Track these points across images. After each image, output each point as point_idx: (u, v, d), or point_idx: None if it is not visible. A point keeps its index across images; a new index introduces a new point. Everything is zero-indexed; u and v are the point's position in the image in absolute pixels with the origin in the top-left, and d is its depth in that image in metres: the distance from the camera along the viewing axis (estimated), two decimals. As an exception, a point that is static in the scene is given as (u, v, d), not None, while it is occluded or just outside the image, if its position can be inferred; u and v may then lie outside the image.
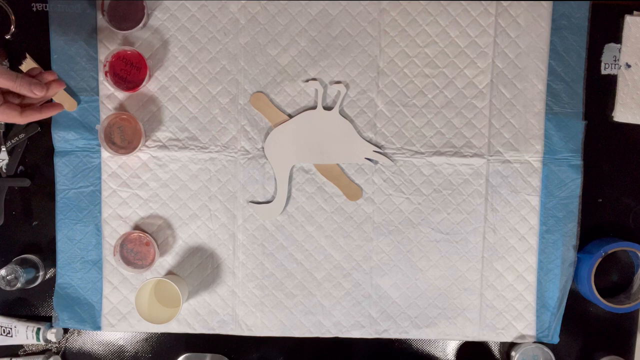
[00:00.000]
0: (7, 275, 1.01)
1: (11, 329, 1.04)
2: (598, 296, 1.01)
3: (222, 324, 1.05)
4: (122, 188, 1.04)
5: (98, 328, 1.05)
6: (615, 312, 1.03)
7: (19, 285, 1.01)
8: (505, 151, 1.03)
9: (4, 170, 1.04)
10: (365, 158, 1.03)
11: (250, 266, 1.05)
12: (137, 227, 1.04)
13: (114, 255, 1.01)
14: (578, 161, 1.03)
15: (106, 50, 1.02)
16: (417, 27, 1.02)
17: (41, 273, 1.04)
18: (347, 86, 1.03)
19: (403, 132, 1.03)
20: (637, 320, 1.06)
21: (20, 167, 1.05)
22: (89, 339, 1.07)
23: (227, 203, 1.04)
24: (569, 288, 1.04)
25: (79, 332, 1.07)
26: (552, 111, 1.03)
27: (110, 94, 1.03)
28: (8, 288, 1.01)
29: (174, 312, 1.00)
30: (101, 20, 1.01)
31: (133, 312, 1.04)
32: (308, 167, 1.04)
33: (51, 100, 0.98)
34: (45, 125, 1.03)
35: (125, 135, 1.01)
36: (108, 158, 1.03)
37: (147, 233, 1.02)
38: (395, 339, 1.07)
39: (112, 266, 1.04)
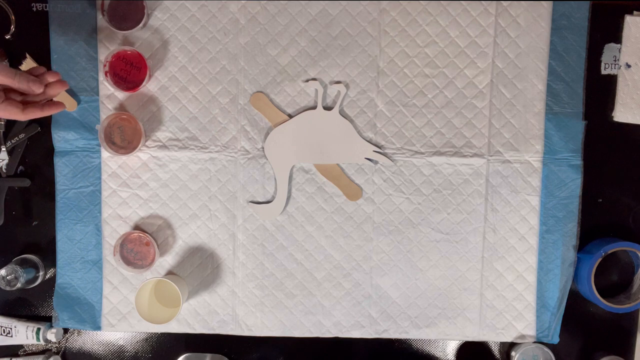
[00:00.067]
0: (7, 275, 1.01)
1: (11, 329, 1.04)
2: (598, 296, 1.01)
3: (222, 324, 1.05)
4: (122, 188, 1.04)
5: (98, 328, 1.05)
6: (615, 312, 1.03)
7: (19, 285, 1.01)
8: (505, 151, 1.03)
9: (4, 170, 1.04)
10: (365, 158, 1.03)
11: (250, 266, 1.05)
12: (137, 227, 1.04)
13: (114, 255, 1.01)
14: (578, 161, 1.03)
15: (106, 50, 1.02)
16: (417, 27, 1.02)
17: (41, 273, 1.04)
18: (347, 86, 1.03)
19: (403, 132, 1.03)
20: (637, 320, 1.06)
21: (20, 167, 1.05)
22: (89, 339, 1.07)
23: (227, 203, 1.04)
24: (569, 288, 1.04)
25: (79, 332, 1.07)
26: (552, 111, 1.03)
27: (110, 94, 1.03)
28: (8, 288, 1.01)
29: (174, 312, 1.00)
30: (101, 20, 1.01)
31: (133, 312, 1.04)
32: (308, 167, 1.04)
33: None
34: (45, 125, 1.03)
35: (125, 135, 1.01)
36: (108, 158, 1.03)
37: (147, 233, 1.02)
38: (395, 339, 1.07)
39: (112, 266, 1.04)
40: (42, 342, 1.04)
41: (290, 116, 1.03)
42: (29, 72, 0.82)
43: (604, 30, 1.04)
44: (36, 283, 1.04)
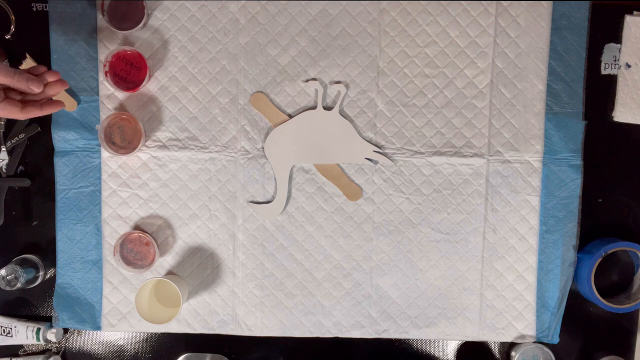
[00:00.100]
0: (7, 275, 1.01)
1: (11, 329, 1.04)
2: (598, 296, 1.01)
3: (222, 324, 1.05)
4: (122, 188, 1.04)
5: (98, 328, 1.05)
6: (615, 312, 1.03)
7: (19, 285, 1.01)
8: (505, 151, 1.03)
9: (4, 170, 1.04)
10: (365, 158, 1.03)
11: (250, 266, 1.05)
12: (137, 227, 1.04)
13: (114, 255, 1.01)
14: (578, 161, 1.03)
15: (106, 50, 1.02)
16: (417, 27, 1.02)
17: (41, 273, 1.04)
18: (347, 86, 1.03)
19: (403, 132, 1.03)
20: (637, 320, 1.06)
21: (20, 167, 1.05)
22: (89, 339, 1.07)
23: (227, 203, 1.04)
24: (569, 288, 1.04)
25: (79, 332, 1.07)
26: (552, 111, 1.03)
27: (110, 94, 1.03)
28: (8, 288, 1.01)
29: (174, 312, 1.00)
30: (101, 20, 1.01)
31: (133, 312, 1.04)
32: (308, 167, 1.04)
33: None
34: (45, 125, 1.03)
35: (125, 135, 1.01)
36: (108, 158, 1.03)
37: (147, 233, 1.02)
38: (395, 339, 1.07)
39: (112, 266, 1.04)
40: (42, 342, 1.04)
41: (290, 116, 1.03)
42: (29, 71, 0.83)
43: (604, 30, 1.04)
44: (36, 283, 1.04)
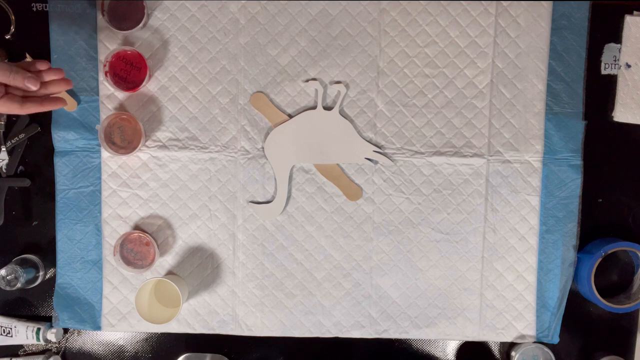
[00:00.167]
0: (7, 275, 1.01)
1: (11, 329, 1.04)
2: (598, 296, 1.01)
3: (222, 324, 1.05)
4: (122, 188, 1.04)
5: (98, 328, 1.05)
6: (615, 312, 1.03)
7: (19, 285, 1.01)
8: (505, 151, 1.03)
9: (4, 170, 1.04)
10: (365, 158, 1.03)
11: (250, 266, 1.05)
12: (137, 227, 1.04)
13: (114, 255, 1.01)
14: (578, 161, 1.03)
15: (106, 50, 1.02)
16: (417, 27, 1.02)
17: (41, 273, 1.04)
18: (347, 86, 1.03)
19: (403, 132, 1.03)
20: (637, 320, 1.06)
21: (20, 167, 1.05)
22: (89, 339, 1.07)
23: (227, 203, 1.04)
24: (569, 288, 1.04)
25: (79, 332, 1.07)
26: (552, 111, 1.03)
27: (110, 94, 1.03)
28: (8, 288, 1.01)
29: (174, 312, 1.00)
30: (101, 20, 1.01)
31: (133, 312, 1.04)
32: (308, 167, 1.04)
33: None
34: (45, 125, 1.03)
35: (125, 135, 1.01)
36: (108, 158, 1.03)
37: (147, 233, 1.02)
38: (395, 339, 1.07)
39: (112, 266, 1.04)
40: (42, 342, 1.04)
41: (290, 116, 1.03)
42: (28, 66, 0.82)
43: (604, 30, 1.04)
44: (36, 283, 1.04)
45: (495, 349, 1.08)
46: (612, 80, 1.04)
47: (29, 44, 1.03)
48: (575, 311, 1.06)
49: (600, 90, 1.04)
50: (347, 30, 1.02)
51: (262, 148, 1.03)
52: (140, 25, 1.00)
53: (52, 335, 1.04)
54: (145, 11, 1.00)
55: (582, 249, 1.05)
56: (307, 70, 1.03)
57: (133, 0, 1.00)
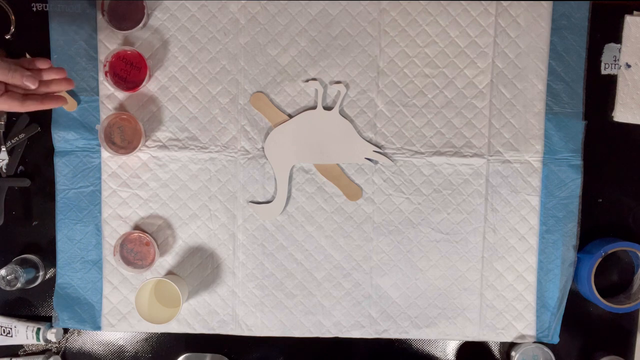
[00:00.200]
0: (7, 275, 1.01)
1: (11, 329, 1.04)
2: (598, 296, 1.01)
3: (222, 324, 1.05)
4: (122, 188, 1.04)
5: (98, 328, 1.05)
6: (615, 312, 1.03)
7: (19, 285, 1.01)
8: (505, 151, 1.03)
9: (4, 170, 1.04)
10: (365, 158, 1.03)
11: (250, 266, 1.05)
12: (137, 227, 1.04)
13: (114, 255, 1.01)
14: (578, 161, 1.03)
15: (106, 50, 1.02)
16: (417, 27, 1.02)
17: (41, 273, 1.04)
18: (347, 86, 1.03)
19: (403, 132, 1.03)
20: (637, 320, 1.06)
21: (20, 167, 1.05)
22: (89, 339, 1.07)
23: (227, 203, 1.04)
24: (569, 288, 1.04)
25: (79, 332, 1.07)
26: (552, 111, 1.03)
27: (110, 94, 1.03)
28: (8, 288, 1.01)
29: (174, 312, 1.00)
30: (101, 20, 1.01)
31: (133, 312, 1.04)
32: (308, 167, 1.04)
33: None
34: (45, 125, 1.03)
35: (125, 135, 1.01)
36: (108, 158, 1.03)
37: (147, 233, 1.02)
38: (395, 339, 1.07)
39: (112, 266, 1.04)
40: (42, 342, 1.04)
41: (290, 116, 1.03)
42: (27, 64, 0.81)
43: (604, 30, 1.04)
44: (36, 283, 1.04)
45: (495, 349, 1.08)
46: (612, 80, 1.04)
47: (29, 44, 1.03)
48: (575, 311, 1.06)
49: (600, 90, 1.04)
50: (347, 30, 1.02)
51: (262, 148, 1.03)
52: (140, 25, 1.00)
53: (52, 335, 1.04)
54: (145, 11, 1.00)
55: (582, 249, 1.05)
56: (307, 70, 1.03)
57: (133, 0, 1.00)
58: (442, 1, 1.02)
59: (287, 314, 1.05)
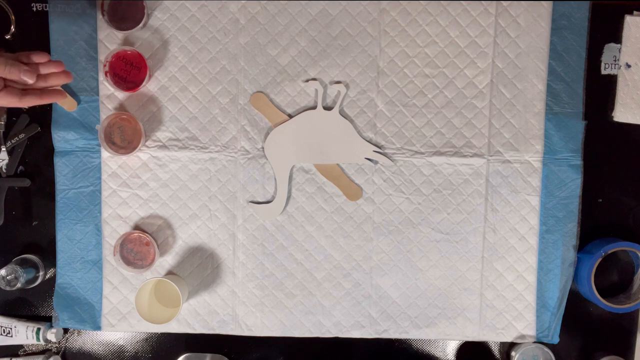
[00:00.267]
0: (7, 275, 1.01)
1: (11, 329, 1.04)
2: (598, 296, 1.01)
3: (222, 324, 1.05)
4: (122, 188, 1.04)
5: (98, 328, 1.05)
6: (615, 312, 1.03)
7: (19, 285, 1.01)
8: (505, 151, 1.03)
9: (4, 170, 1.04)
10: (365, 158, 1.03)
11: (250, 266, 1.05)
12: (137, 227, 1.04)
13: (114, 255, 1.01)
14: (578, 161, 1.03)
15: (106, 50, 1.02)
16: (417, 27, 1.02)
17: (41, 273, 1.04)
18: (347, 86, 1.03)
19: (403, 132, 1.03)
20: (637, 320, 1.06)
21: (20, 167, 1.05)
22: (89, 339, 1.07)
23: (227, 203, 1.04)
24: (569, 288, 1.04)
25: (79, 332, 1.07)
26: (552, 111, 1.03)
27: (110, 94, 1.03)
28: (8, 288, 1.01)
29: (174, 312, 1.00)
30: (101, 20, 1.01)
31: (133, 312, 1.04)
32: (308, 167, 1.04)
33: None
34: (45, 125, 1.03)
35: (125, 135, 1.01)
36: (108, 158, 1.03)
37: (147, 233, 1.02)
38: (395, 339, 1.07)
39: (112, 266, 1.04)
40: (42, 342, 1.04)
41: (290, 116, 1.03)
42: (29, 57, 0.81)
43: (604, 30, 1.04)
44: (36, 283, 1.04)
45: (495, 349, 1.08)
46: (612, 80, 1.04)
47: (29, 44, 1.03)
48: (575, 311, 1.06)
49: (600, 90, 1.04)
50: (347, 30, 1.02)
51: (262, 148, 1.03)
52: (140, 25, 1.00)
53: (52, 335, 1.04)
54: (145, 11, 1.00)
55: (582, 249, 1.05)
56: (307, 70, 1.03)
57: (133, 0, 1.00)
58: (442, 1, 1.02)
59: (287, 314, 1.05)
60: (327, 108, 1.03)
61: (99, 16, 1.01)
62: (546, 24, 1.02)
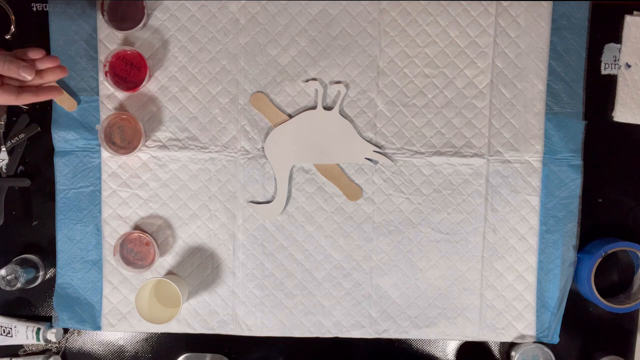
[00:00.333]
0: (7, 275, 1.01)
1: (11, 329, 1.04)
2: (598, 296, 1.01)
3: (222, 324, 1.05)
4: (122, 188, 1.04)
5: (98, 328, 1.05)
6: (615, 312, 1.03)
7: (19, 285, 1.01)
8: (505, 151, 1.03)
9: (4, 170, 1.04)
10: (365, 158, 1.03)
11: (250, 266, 1.05)
12: (137, 227, 1.04)
13: (114, 255, 1.01)
14: (578, 161, 1.03)
15: (106, 50, 1.02)
16: (417, 27, 1.02)
17: (41, 273, 1.04)
18: (347, 86, 1.03)
19: (403, 132, 1.03)
20: (637, 320, 1.06)
21: (20, 167, 1.05)
22: (89, 339, 1.07)
23: (227, 203, 1.04)
24: (569, 288, 1.04)
25: (79, 332, 1.07)
26: (552, 111, 1.03)
27: (110, 94, 1.03)
28: (8, 288, 1.01)
29: (174, 312, 1.00)
30: (101, 20, 1.01)
31: (133, 312, 1.04)
32: (308, 167, 1.04)
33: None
34: (45, 125, 1.03)
35: (125, 135, 1.01)
36: (108, 158, 1.03)
37: (147, 233, 1.02)
38: (395, 339, 1.07)
39: (112, 266, 1.04)
40: (42, 342, 1.04)
41: (290, 116, 1.03)
42: (25, 53, 0.80)
43: (604, 30, 1.04)
44: (36, 283, 1.04)
45: (495, 349, 1.08)
46: (612, 80, 1.04)
47: (29, 44, 1.02)
48: (575, 311, 1.06)
49: (600, 90, 1.04)
50: (347, 30, 1.02)
51: (262, 148, 1.03)
52: (140, 25, 1.00)
53: (52, 335, 1.04)
54: (145, 11, 1.00)
55: (582, 249, 1.05)
56: (307, 70, 1.03)
57: (133, 0, 1.00)
58: (442, 1, 1.02)
59: (287, 314, 1.05)
60: (327, 108, 1.03)
61: (99, 16, 1.01)
62: (546, 24, 1.02)
